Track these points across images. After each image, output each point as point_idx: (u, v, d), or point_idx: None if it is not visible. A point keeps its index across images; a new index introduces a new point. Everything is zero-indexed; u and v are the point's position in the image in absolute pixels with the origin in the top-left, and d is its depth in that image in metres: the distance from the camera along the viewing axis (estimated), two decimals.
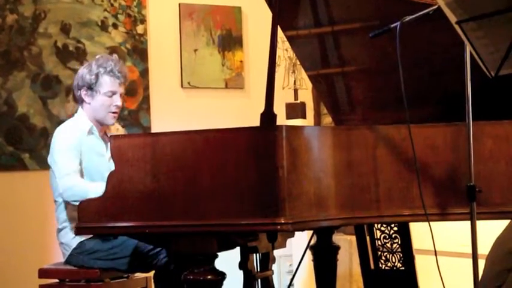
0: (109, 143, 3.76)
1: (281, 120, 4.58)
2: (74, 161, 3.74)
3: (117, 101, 3.86)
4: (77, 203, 3.52)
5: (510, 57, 2.55)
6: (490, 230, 3.73)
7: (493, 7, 2.47)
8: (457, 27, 2.57)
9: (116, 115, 3.90)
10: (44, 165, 4.17)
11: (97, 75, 3.82)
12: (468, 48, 2.70)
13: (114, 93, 3.84)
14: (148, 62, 5.63)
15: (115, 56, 4.14)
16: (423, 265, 4.08)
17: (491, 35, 2.55)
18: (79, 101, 3.92)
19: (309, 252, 4.05)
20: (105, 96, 3.83)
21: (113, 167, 3.03)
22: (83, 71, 3.88)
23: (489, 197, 3.03)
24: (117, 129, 4.17)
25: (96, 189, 3.44)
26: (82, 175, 3.77)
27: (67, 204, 3.74)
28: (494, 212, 3.09)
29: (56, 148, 3.79)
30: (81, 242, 3.71)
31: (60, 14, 5.36)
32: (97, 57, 4.06)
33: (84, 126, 3.85)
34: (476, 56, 2.63)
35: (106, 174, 3.60)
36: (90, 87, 3.83)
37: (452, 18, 2.56)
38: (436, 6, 2.72)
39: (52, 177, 3.83)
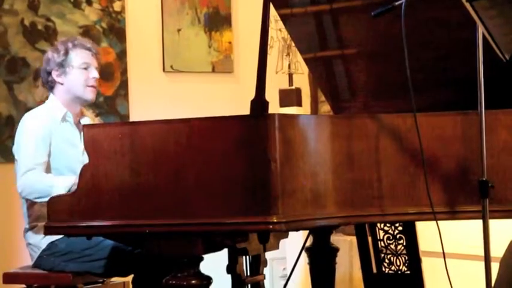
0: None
1: (274, 108, 4.59)
2: (38, 154, 3.74)
3: (94, 72, 3.89)
4: (40, 200, 3.57)
5: None
6: (504, 230, 3.76)
7: None
8: (468, 5, 2.58)
9: (94, 89, 3.93)
10: (10, 158, 4.17)
11: (66, 51, 3.86)
12: (480, 29, 2.72)
13: (88, 65, 3.88)
14: (127, 42, 5.63)
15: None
16: (431, 268, 4.11)
17: (505, 14, 2.57)
18: (49, 87, 3.93)
19: (304, 254, 4.07)
20: (79, 69, 3.86)
21: (86, 160, 3.04)
22: (49, 53, 3.92)
23: (503, 193, 3.05)
24: (91, 118, 4.17)
25: (62, 183, 3.47)
26: (49, 169, 3.77)
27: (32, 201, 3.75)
28: (509, 209, 3.11)
29: (20, 139, 3.81)
30: (51, 242, 3.72)
31: None
32: (61, 39, 4.10)
33: (57, 112, 3.87)
34: (489, 37, 2.66)
35: (78, 168, 3.63)
36: (61, 65, 3.85)
37: None
38: None
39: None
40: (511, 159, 3.10)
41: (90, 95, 3.91)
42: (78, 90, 3.87)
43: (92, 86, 3.89)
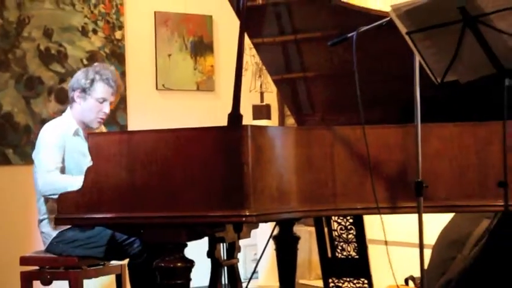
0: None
1: (248, 120, 4.58)
2: (56, 159, 3.70)
3: (106, 108, 3.82)
4: (55, 197, 3.54)
5: (454, 65, 2.60)
6: (436, 222, 3.79)
7: (439, 19, 2.51)
8: (407, 37, 2.61)
9: (102, 121, 3.86)
10: (27, 160, 4.16)
11: (92, 81, 3.78)
12: (417, 57, 2.73)
13: (105, 100, 3.80)
14: (126, 65, 5.62)
15: (113, 67, 4.11)
16: (375, 254, 4.12)
17: (437, 44, 2.59)
18: (70, 101, 3.88)
19: (271, 242, 4.05)
20: (96, 101, 3.78)
21: None
22: (79, 74, 3.84)
23: (435, 192, 3.05)
24: (101, 131, 4.13)
25: (76, 184, 3.44)
26: (63, 172, 3.74)
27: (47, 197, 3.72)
28: (439, 205, 3.12)
29: (40, 145, 3.76)
30: (60, 231, 3.69)
31: (43, 20, 5.33)
32: (95, 64, 4.03)
33: (71, 127, 3.81)
34: (424, 64, 2.67)
35: None
36: (84, 90, 3.78)
37: (403, 29, 2.60)
38: (388, 18, 2.75)
39: (35, 172, 3.80)
40: (441, 164, 3.11)
41: (96, 125, 3.84)
42: (89, 117, 3.81)
43: (100, 118, 3.83)
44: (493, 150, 2.95)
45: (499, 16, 2.40)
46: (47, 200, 3.73)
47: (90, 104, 3.79)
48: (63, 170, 3.74)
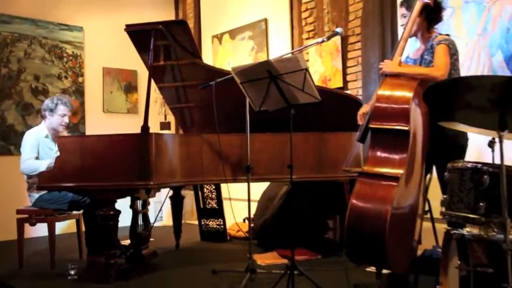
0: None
1: (155, 130, 4.48)
2: (32, 152, 3.49)
3: (66, 119, 3.63)
4: (33, 174, 3.36)
5: (265, 101, 2.65)
6: (259, 187, 3.87)
7: (257, 76, 2.57)
8: (240, 85, 2.66)
9: (65, 127, 3.66)
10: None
11: (56, 104, 3.58)
12: (247, 97, 2.76)
13: (65, 115, 3.62)
14: (85, 97, 5.39)
15: (68, 95, 3.92)
16: (227, 205, 4.17)
17: (256, 90, 2.64)
18: (43, 117, 3.67)
19: (168, 199, 4.04)
20: (60, 116, 3.59)
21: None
22: (48, 100, 3.63)
23: (257, 171, 3.13)
24: (63, 134, 3.94)
25: (43, 166, 3.30)
26: (38, 159, 3.53)
27: (30, 175, 3.52)
28: (260, 178, 3.20)
29: (23, 143, 3.55)
30: (40, 195, 3.48)
31: (34, 70, 5.05)
32: (58, 94, 3.84)
33: (43, 132, 3.60)
34: (250, 100, 2.72)
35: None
36: (51, 110, 3.59)
37: (238, 81, 2.65)
38: (231, 75, 2.79)
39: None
40: (261, 155, 3.17)
41: (61, 129, 3.62)
42: (56, 126, 3.58)
43: (63, 126, 3.61)
44: (287, 148, 3.01)
45: (287, 75, 2.49)
46: (31, 177, 3.50)
47: (56, 119, 3.60)
48: (37, 158, 3.52)
